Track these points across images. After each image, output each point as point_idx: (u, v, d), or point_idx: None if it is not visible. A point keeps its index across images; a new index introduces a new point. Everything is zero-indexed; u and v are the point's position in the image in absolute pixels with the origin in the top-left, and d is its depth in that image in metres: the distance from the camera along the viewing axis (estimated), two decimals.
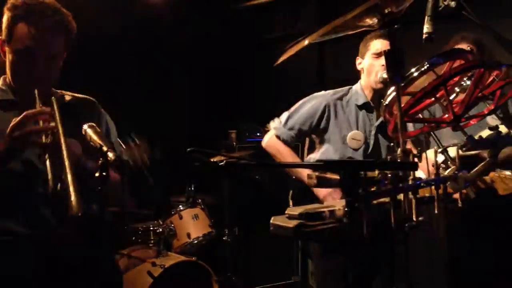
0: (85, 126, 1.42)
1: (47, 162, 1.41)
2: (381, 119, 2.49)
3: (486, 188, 2.02)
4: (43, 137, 1.44)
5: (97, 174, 1.23)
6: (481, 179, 2.07)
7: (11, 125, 1.45)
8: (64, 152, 1.38)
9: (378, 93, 2.49)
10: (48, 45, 1.57)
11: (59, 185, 1.36)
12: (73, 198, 1.31)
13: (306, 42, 1.40)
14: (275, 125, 2.57)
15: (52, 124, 1.46)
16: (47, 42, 1.56)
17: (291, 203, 2.60)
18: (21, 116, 1.45)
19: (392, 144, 2.48)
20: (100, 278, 1.67)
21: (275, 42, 5.11)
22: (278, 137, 2.52)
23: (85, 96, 1.82)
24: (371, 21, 1.37)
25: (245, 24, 5.13)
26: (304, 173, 2.40)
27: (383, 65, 2.37)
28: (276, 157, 2.51)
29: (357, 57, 2.57)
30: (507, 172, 2.14)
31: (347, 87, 2.59)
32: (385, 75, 2.32)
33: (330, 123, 2.48)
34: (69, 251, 1.63)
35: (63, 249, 1.62)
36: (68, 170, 1.34)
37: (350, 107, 2.51)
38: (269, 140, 2.56)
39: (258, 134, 4.71)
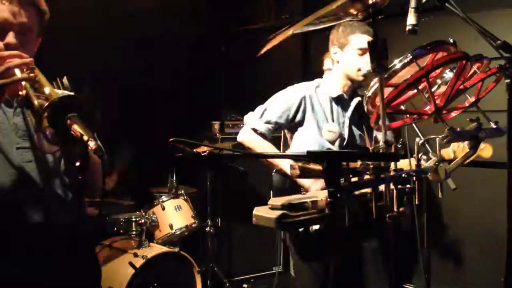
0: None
1: (30, 92, 1.36)
2: (351, 108, 2.50)
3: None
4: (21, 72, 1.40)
5: (77, 164, 1.21)
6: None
7: None
8: (42, 79, 1.37)
9: (353, 85, 2.50)
10: (20, 16, 1.53)
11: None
12: (48, 91, 1.33)
13: (290, 32, 1.40)
14: (251, 118, 2.53)
15: (29, 59, 1.43)
16: (17, 13, 1.53)
17: (271, 194, 2.60)
18: None
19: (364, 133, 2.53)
20: (78, 269, 1.66)
21: (260, 32, 5.10)
22: (255, 130, 2.48)
23: (64, 92, 1.77)
24: (355, 11, 1.37)
25: (229, 14, 5.10)
26: (284, 164, 2.38)
27: (367, 63, 2.34)
28: (254, 150, 2.47)
29: (333, 46, 2.51)
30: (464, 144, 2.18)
31: (317, 79, 2.57)
32: (369, 69, 2.32)
33: (306, 115, 2.46)
34: (48, 242, 1.61)
35: (42, 240, 1.60)
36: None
37: (324, 98, 2.49)
38: (245, 134, 2.51)
39: (241, 125, 4.70)
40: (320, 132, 2.45)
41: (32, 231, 1.58)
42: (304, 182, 2.37)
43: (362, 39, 2.40)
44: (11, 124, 1.59)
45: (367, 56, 2.36)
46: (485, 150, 2.25)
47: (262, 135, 2.48)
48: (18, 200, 1.57)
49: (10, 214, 1.56)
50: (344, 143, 2.46)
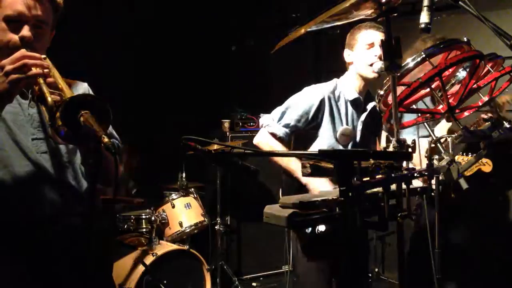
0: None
1: (44, 88, 1.37)
2: (366, 113, 2.49)
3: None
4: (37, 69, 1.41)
5: (90, 160, 1.22)
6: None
7: (3, 61, 1.40)
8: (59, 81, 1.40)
9: (368, 86, 2.49)
10: (35, 9, 1.55)
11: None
12: (62, 87, 1.36)
13: (302, 30, 1.39)
14: (268, 122, 2.48)
15: (47, 64, 1.44)
16: (32, 6, 1.55)
17: (280, 192, 2.59)
18: (20, 53, 1.41)
19: (376, 136, 2.53)
20: (91, 265, 1.67)
21: (271, 30, 5.09)
22: (273, 134, 2.43)
23: (77, 81, 1.79)
24: (368, 9, 1.36)
25: (241, 12, 5.10)
26: (295, 167, 2.36)
27: (376, 56, 2.36)
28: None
29: (345, 49, 2.52)
30: (468, 156, 2.20)
31: (334, 80, 2.55)
32: (382, 65, 2.30)
33: (324, 117, 2.43)
34: (61, 231, 1.62)
35: (55, 229, 1.62)
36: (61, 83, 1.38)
37: (340, 101, 2.48)
38: (263, 138, 2.47)
39: (251, 124, 4.71)
40: (334, 134, 2.43)
41: (46, 221, 1.60)
42: (312, 186, 2.35)
43: (368, 34, 2.41)
44: (26, 116, 1.61)
45: (374, 49, 2.37)
46: (487, 166, 2.38)
47: (280, 139, 2.44)
48: (33, 190, 1.59)
49: (25, 204, 1.58)
50: (357, 147, 2.45)
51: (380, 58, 2.33)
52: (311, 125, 2.45)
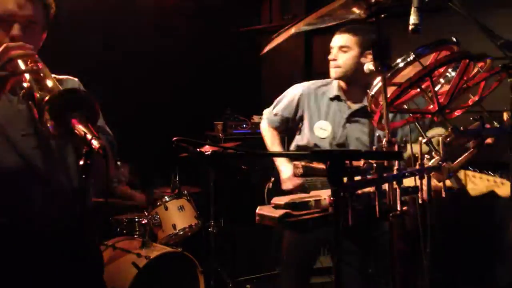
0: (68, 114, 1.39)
1: (32, 84, 1.36)
2: (351, 110, 2.54)
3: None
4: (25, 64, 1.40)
5: (81, 162, 1.21)
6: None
7: None
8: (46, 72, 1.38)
9: (352, 86, 2.54)
10: (26, 9, 1.54)
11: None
12: (51, 84, 1.33)
13: (292, 31, 1.40)
14: (266, 110, 2.80)
15: (32, 51, 1.42)
16: (23, 5, 1.53)
17: (265, 194, 2.69)
18: (2, 46, 1.40)
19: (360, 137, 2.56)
20: (82, 267, 1.66)
21: (262, 32, 5.11)
22: (266, 120, 2.76)
23: (68, 77, 1.78)
24: (358, 10, 1.37)
25: (232, 15, 5.11)
26: (278, 162, 2.59)
27: (329, 59, 2.52)
28: (265, 140, 2.77)
29: None
30: (477, 173, 2.15)
31: (330, 79, 2.62)
32: (371, 66, 2.33)
33: (305, 112, 2.60)
34: (52, 240, 1.61)
35: (47, 238, 1.61)
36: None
37: (324, 98, 2.60)
38: (261, 125, 2.82)
39: (244, 126, 4.71)
40: (311, 128, 2.56)
41: (35, 219, 1.59)
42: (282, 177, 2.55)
43: (333, 39, 2.55)
44: (16, 112, 1.60)
45: (332, 52, 2.52)
46: (503, 188, 2.01)
47: (273, 126, 2.74)
48: (22, 187, 1.58)
49: (14, 202, 1.57)
50: (335, 142, 2.50)
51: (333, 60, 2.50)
52: (297, 117, 2.65)
